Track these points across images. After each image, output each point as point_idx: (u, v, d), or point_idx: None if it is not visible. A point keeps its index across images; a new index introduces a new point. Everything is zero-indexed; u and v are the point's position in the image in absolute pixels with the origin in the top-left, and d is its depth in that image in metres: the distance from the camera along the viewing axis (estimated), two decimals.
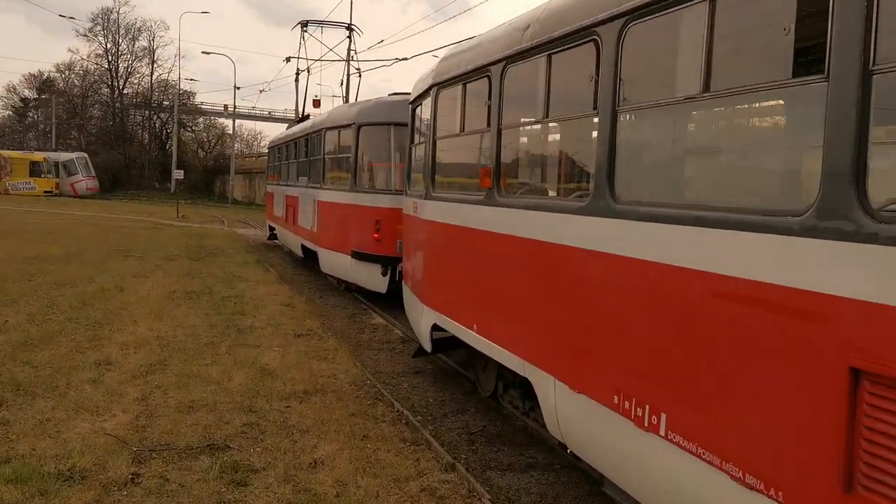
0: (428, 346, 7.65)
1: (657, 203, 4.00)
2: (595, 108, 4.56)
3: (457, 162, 7.65)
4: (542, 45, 5.32)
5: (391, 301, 12.11)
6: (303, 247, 16.38)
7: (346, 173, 13.32)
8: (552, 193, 5.98)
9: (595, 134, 4.68)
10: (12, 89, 79.46)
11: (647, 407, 3.94)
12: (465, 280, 6.56)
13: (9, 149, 61.23)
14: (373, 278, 12.22)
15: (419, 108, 8.74)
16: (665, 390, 3.79)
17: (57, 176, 55.70)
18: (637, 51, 4.29)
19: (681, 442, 3.67)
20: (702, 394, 3.53)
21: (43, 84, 77.19)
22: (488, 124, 6.19)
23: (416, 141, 9.14)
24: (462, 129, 6.93)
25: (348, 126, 12.86)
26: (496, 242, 5.85)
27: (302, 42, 22.14)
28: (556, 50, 5.19)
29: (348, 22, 22.25)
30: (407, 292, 9.09)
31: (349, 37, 22.13)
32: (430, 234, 7.61)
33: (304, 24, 22.15)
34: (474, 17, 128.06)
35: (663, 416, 3.82)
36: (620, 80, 4.32)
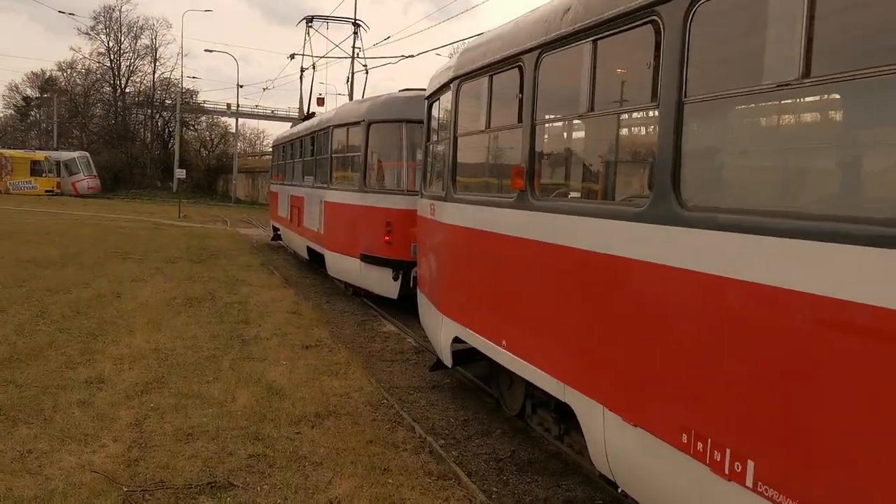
0: (448, 361, 7.04)
1: (743, 210, 3.39)
2: (654, 100, 3.95)
3: (481, 161, 7.04)
4: (586, 30, 4.70)
5: (402, 306, 11.51)
6: (308, 249, 15.78)
7: (354, 173, 12.71)
8: (596, 196, 5.36)
9: (654, 129, 4.07)
10: (14, 88, 79.04)
11: (728, 451, 3.34)
12: (492, 291, 5.95)
13: (10, 148, 60.73)
14: (383, 283, 11.61)
15: (436, 103, 8.13)
16: (756, 435, 3.18)
17: (58, 175, 55.20)
18: (710, 31, 3.69)
19: (776, 497, 3.06)
20: (811, 443, 2.91)
21: (45, 83, 76.72)
22: (520, 119, 5.57)
23: (433, 139, 8.54)
24: (488, 124, 6.31)
25: (357, 123, 12.25)
26: (530, 250, 5.24)
27: (307, 38, 21.57)
28: (603, 34, 4.56)
29: (354, 17, 21.65)
30: (423, 300, 8.49)
31: (355, 32, 21.55)
32: (450, 239, 7.00)
33: (310, 20, 21.56)
34: (475, 16, 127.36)
35: (750, 464, 3.21)
36: (687, 66, 3.71)
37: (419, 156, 12.05)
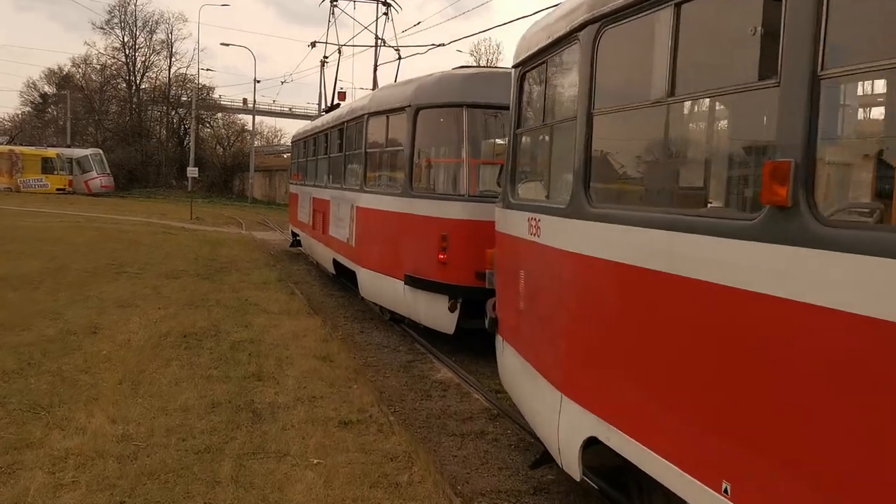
0: (575, 470, 4.44)
1: None
2: None
3: (652, 153, 4.42)
4: None
5: (459, 338, 9.04)
6: (335, 262, 13.26)
7: (397, 172, 10.16)
8: None
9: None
10: (32, 85, 77.31)
11: None
12: (688, 380, 3.36)
13: (28, 145, 58.98)
14: (436, 314, 9.06)
15: (537, 71, 5.56)
16: None
17: (71, 173, 53.41)
18: None
19: None
20: None
21: (62, 80, 74.90)
22: (774, 72, 2.93)
23: (529, 123, 5.97)
24: (671, 90, 3.69)
25: (401, 110, 9.68)
26: (814, 319, 2.65)
27: (331, 20, 19.02)
28: None
29: None
30: (509, 354, 5.93)
31: (385, 13, 18.98)
32: (580, 278, 4.41)
33: (334, 0, 19.05)
34: (489, 10, 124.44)
35: None
36: None
37: (484, 150, 9.50)
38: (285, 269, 16.68)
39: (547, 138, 5.48)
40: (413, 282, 9.29)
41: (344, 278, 13.53)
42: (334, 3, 18.90)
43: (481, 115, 8.95)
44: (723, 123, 4.01)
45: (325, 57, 20.63)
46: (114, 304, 10.10)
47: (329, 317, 11.27)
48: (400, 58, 18.14)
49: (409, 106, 9.43)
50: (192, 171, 33.71)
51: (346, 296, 13.35)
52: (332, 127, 13.89)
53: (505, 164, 6.38)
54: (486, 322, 7.01)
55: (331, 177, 14.14)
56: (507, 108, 8.92)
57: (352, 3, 19.31)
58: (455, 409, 7.08)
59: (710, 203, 3.86)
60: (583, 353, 4.34)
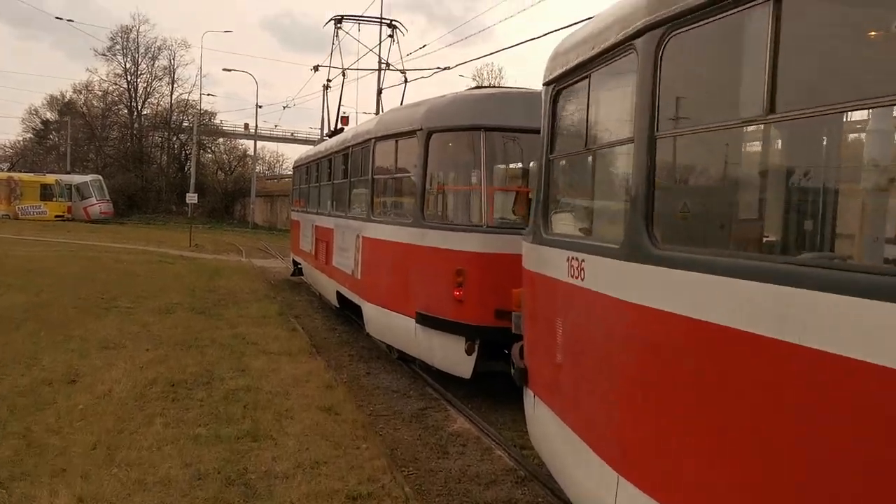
0: None
1: None
2: None
3: (746, 185, 3.64)
4: None
5: (474, 381, 8.24)
6: (339, 295, 12.46)
7: (406, 200, 9.41)
8: None
9: None
10: (34, 112, 77.06)
11: None
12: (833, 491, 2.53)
13: (28, 172, 58.54)
14: (451, 357, 8.24)
15: (578, 87, 4.80)
16: None
17: (70, 199, 52.87)
18: None
19: None
20: None
21: (64, 106, 74.62)
22: None
23: (568, 147, 5.22)
24: (769, 106, 2.89)
25: (411, 133, 8.94)
26: None
27: (335, 41, 18.40)
28: None
29: (390, 18, 18.47)
30: (545, 415, 5.12)
31: (391, 35, 18.36)
32: (643, 336, 3.61)
33: (339, 21, 18.43)
34: (492, 37, 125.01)
35: None
36: None
37: (502, 176, 8.74)
38: (286, 300, 15.88)
39: (590, 164, 4.71)
40: (425, 320, 8.49)
41: (348, 311, 12.72)
42: (338, 24, 18.28)
43: (499, 138, 8.21)
44: (854, 141, 3.24)
45: (329, 80, 20.00)
46: (98, 345, 9.28)
47: (333, 356, 10.45)
48: (406, 81, 17.48)
49: (421, 129, 8.69)
50: (191, 198, 33.02)
51: (350, 330, 12.54)
52: (337, 152, 13.16)
53: (534, 193, 5.61)
54: (513, 372, 6.21)
55: (334, 204, 13.39)
56: (526, 131, 8.21)
57: (357, 24, 18.69)
58: (476, 469, 6.24)
59: (833, 250, 3.06)
60: (650, 431, 3.53)
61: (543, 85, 5.40)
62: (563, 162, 5.31)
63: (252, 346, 9.77)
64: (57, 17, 41.03)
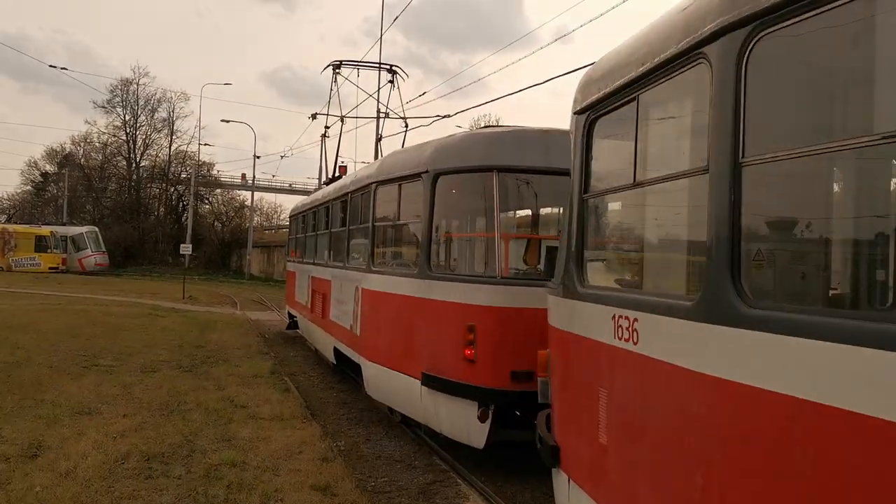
0: None
1: None
2: None
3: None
4: None
5: (486, 449, 7.33)
6: (336, 351, 11.59)
7: (411, 249, 8.64)
8: None
9: None
10: (33, 164, 76.92)
11: None
12: None
13: (25, 223, 58.02)
14: (462, 424, 7.36)
15: (622, 113, 4.06)
16: None
17: (65, 251, 52.22)
18: None
19: None
20: None
21: (63, 158, 74.52)
22: None
23: (608, 183, 4.47)
24: None
25: (416, 177, 8.21)
26: None
27: (334, 87, 17.87)
28: None
29: (389, 64, 17.99)
30: None
31: (391, 81, 17.84)
32: (742, 421, 2.79)
33: (337, 66, 17.94)
34: (486, 88, 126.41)
35: None
36: None
37: (517, 222, 7.99)
38: (280, 355, 14.98)
39: (640, 202, 3.94)
40: (432, 382, 7.63)
41: (347, 369, 11.84)
42: (337, 70, 17.77)
43: (513, 180, 7.48)
44: None
45: (327, 127, 19.44)
46: (71, 410, 8.39)
47: (330, 419, 9.56)
48: (407, 127, 16.89)
49: (426, 172, 7.96)
50: (185, 248, 32.26)
51: (348, 389, 11.64)
52: (334, 199, 12.45)
53: (564, 239, 4.84)
54: (539, 447, 5.35)
55: (332, 254, 12.62)
56: (544, 172, 7.49)
57: (356, 70, 18.17)
58: None
59: None
60: None
61: (574, 114, 4.68)
62: (603, 201, 4.55)
63: (240, 411, 8.87)
64: (51, 66, 40.88)
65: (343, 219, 11.69)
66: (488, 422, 7.14)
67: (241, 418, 8.47)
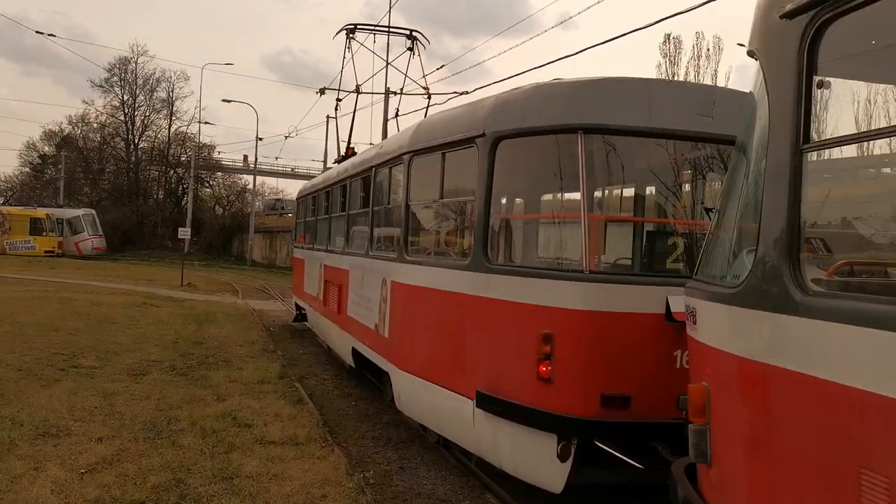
0: None
1: None
2: None
3: None
4: None
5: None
6: (356, 353, 9.91)
7: (460, 234, 6.94)
8: None
9: None
10: (32, 146, 75.10)
11: None
12: None
13: (22, 206, 56.42)
14: (531, 459, 5.67)
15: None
16: None
17: (61, 234, 50.67)
18: None
19: None
20: None
21: (62, 140, 72.68)
22: None
23: (848, 130, 2.72)
24: None
25: (468, 142, 6.46)
26: None
27: (347, 53, 16.08)
28: None
29: (409, 28, 16.18)
30: None
31: (411, 48, 16.05)
32: None
33: (352, 31, 16.15)
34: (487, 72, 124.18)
35: None
36: None
37: (612, 200, 6.27)
38: (288, 353, 13.30)
39: None
40: (491, 404, 5.93)
41: (368, 373, 10.18)
42: (351, 35, 15.98)
43: (604, 144, 5.73)
44: None
45: (339, 100, 17.63)
46: (33, 431, 6.70)
47: (352, 440, 7.89)
48: (430, 99, 15.12)
49: (482, 136, 6.21)
50: (183, 232, 30.53)
51: (369, 396, 9.98)
52: (353, 176, 10.71)
53: (747, 219, 3.13)
54: None
55: (350, 240, 10.90)
56: (653, 134, 5.77)
57: (371, 35, 16.38)
58: None
59: None
60: None
61: (781, 18, 2.95)
62: (840, 158, 2.83)
63: (245, 432, 7.18)
64: (37, 32, 38.84)
65: (365, 199, 9.97)
66: (570, 460, 5.46)
67: (246, 443, 6.78)
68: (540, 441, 5.55)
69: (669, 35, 44.21)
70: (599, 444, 5.61)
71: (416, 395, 7.31)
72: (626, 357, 5.33)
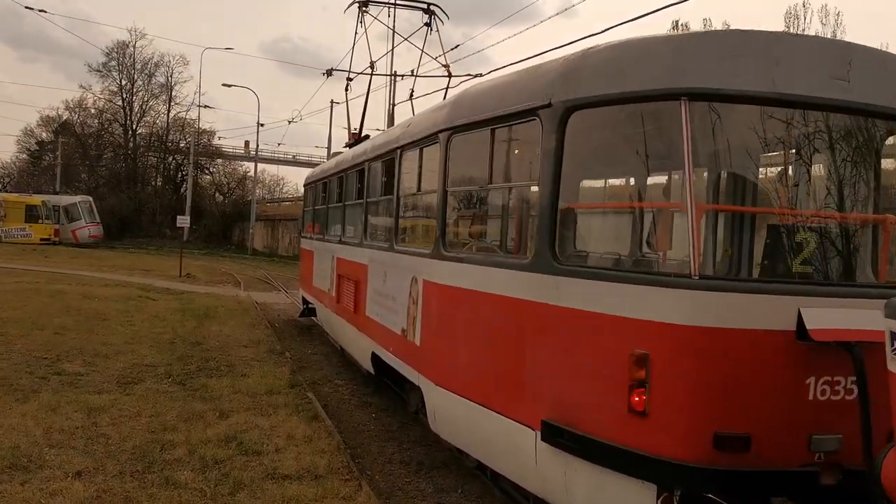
0: None
1: None
2: None
3: None
4: None
5: None
6: (376, 358, 8.75)
7: (514, 226, 5.74)
8: None
9: None
10: (29, 132, 73.74)
11: None
12: None
13: (18, 192, 55.29)
14: None
15: None
16: None
17: (57, 221, 49.47)
18: None
19: None
20: None
21: (60, 126, 71.30)
22: None
23: None
24: None
25: (528, 115, 5.24)
26: None
27: (360, 28, 14.83)
28: None
29: (427, 2, 14.87)
30: None
31: (428, 23, 14.79)
32: None
33: (364, 3, 14.90)
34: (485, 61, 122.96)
35: None
36: None
37: (727, 184, 5.05)
38: (297, 355, 12.14)
39: None
40: (563, 439, 4.75)
41: (388, 380, 9.03)
42: (364, 8, 14.73)
43: (715, 115, 4.50)
44: None
45: (349, 79, 16.38)
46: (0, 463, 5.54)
47: (377, 464, 6.77)
48: (450, 78, 13.88)
49: (549, 105, 4.99)
50: (182, 220, 29.29)
51: (390, 406, 8.86)
52: (374, 159, 9.50)
53: None
54: None
55: (368, 231, 9.71)
56: (778, 102, 4.47)
57: (386, 8, 15.13)
58: None
59: None
60: None
61: None
62: None
63: (253, 462, 6.01)
64: (27, 7, 37.19)
65: (388, 185, 8.77)
66: None
67: (255, 479, 5.60)
68: (632, 490, 4.37)
69: (677, 22, 42.70)
70: (711, 497, 4.41)
71: (457, 418, 6.14)
72: (745, 386, 4.16)
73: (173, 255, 34.16)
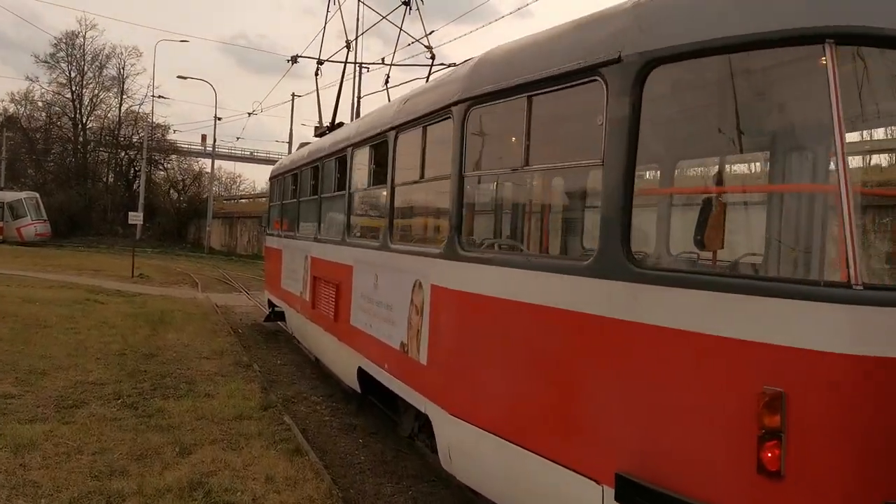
0: None
1: None
2: None
3: None
4: None
5: None
6: (363, 375, 7.48)
7: (563, 218, 4.52)
8: None
9: None
10: None
11: None
12: None
13: None
14: None
15: None
16: None
17: (1, 219, 47.01)
18: None
19: None
20: None
21: (5, 120, 68.01)
22: None
23: None
24: None
25: (584, 74, 4.01)
26: None
27: (332, 7, 13.44)
28: None
29: None
30: None
31: (407, 3, 13.48)
32: None
33: None
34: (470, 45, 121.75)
35: None
36: None
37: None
38: (265, 365, 10.77)
39: None
40: (648, 499, 3.55)
41: (374, 398, 7.77)
42: None
43: (871, 63, 3.34)
44: None
45: (320, 64, 14.97)
46: None
47: None
48: (433, 60, 12.60)
49: (618, 61, 3.78)
50: (134, 217, 27.43)
51: (379, 428, 7.58)
52: (359, 144, 8.19)
53: None
54: None
55: (351, 226, 8.41)
56: None
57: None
58: None
59: None
60: None
61: None
62: None
63: None
64: None
65: (379, 173, 7.48)
66: None
67: None
68: None
69: None
70: None
71: (483, 459, 4.91)
72: None
73: (125, 253, 32.24)
